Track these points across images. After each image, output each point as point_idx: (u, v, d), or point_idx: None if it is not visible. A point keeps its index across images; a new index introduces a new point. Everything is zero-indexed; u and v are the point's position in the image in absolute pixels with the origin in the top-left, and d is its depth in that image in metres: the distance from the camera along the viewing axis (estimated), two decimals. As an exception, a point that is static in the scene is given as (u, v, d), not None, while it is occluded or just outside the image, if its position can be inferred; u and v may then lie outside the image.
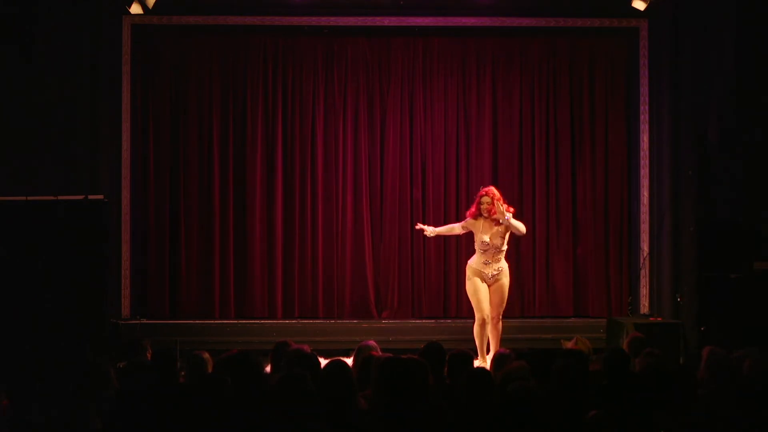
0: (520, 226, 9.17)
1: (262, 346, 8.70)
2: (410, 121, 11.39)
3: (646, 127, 11.11)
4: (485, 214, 9.15)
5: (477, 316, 9.17)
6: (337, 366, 5.05)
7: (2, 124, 10.43)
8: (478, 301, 9.14)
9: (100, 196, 9.95)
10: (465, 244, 10.85)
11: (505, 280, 9.21)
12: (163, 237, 11.18)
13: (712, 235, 10.39)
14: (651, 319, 10.55)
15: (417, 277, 11.33)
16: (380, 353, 6.26)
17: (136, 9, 10.36)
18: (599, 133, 11.38)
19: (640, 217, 11.14)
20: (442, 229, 9.68)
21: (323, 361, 5.40)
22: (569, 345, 7.79)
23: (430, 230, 9.53)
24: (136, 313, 10.99)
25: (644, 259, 11.03)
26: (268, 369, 6.34)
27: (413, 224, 11.29)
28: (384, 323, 11.01)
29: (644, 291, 11.09)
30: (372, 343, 6.53)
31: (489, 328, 9.17)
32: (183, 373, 6.25)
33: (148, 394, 5.00)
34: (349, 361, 5.91)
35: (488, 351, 9.05)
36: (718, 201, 10.51)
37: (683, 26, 10.72)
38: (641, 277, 11.10)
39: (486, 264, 9.15)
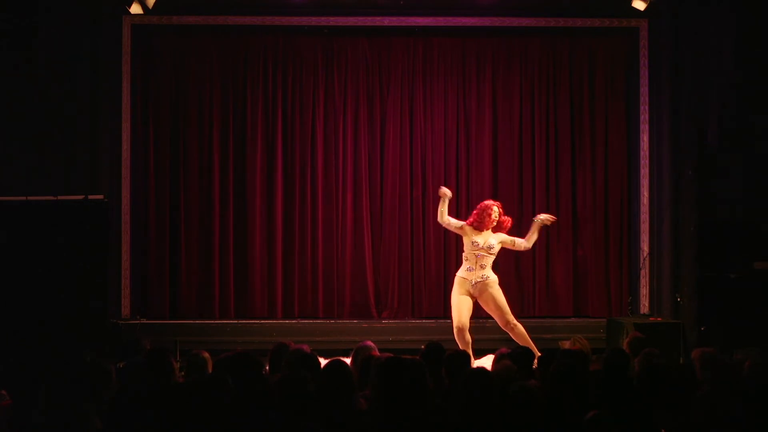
0: (524, 244, 9.33)
1: (262, 346, 8.70)
2: (410, 121, 11.39)
3: (646, 127, 11.11)
4: (493, 224, 9.21)
5: (453, 323, 9.23)
6: (337, 366, 5.05)
7: (2, 124, 10.44)
8: (455, 310, 9.20)
9: (100, 196, 9.95)
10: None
11: (492, 290, 9.17)
12: (163, 237, 11.19)
13: (712, 236, 10.40)
14: (651, 319, 10.55)
15: (417, 277, 11.33)
16: (378, 353, 6.26)
17: (136, 9, 10.36)
18: (599, 133, 11.38)
19: (640, 217, 11.14)
20: (450, 221, 9.32)
21: (323, 361, 5.40)
22: (567, 345, 7.79)
23: (446, 192, 9.26)
24: (136, 313, 11.00)
25: (644, 259, 11.03)
26: (266, 369, 6.35)
27: (413, 224, 11.35)
28: (384, 323, 11.01)
29: (644, 291, 11.09)
30: (370, 343, 6.54)
31: (514, 336, 9.20)
32: (183, 373, 6.26)
33: (147, 394, 5.00)
34: (349, 361, 5.90)
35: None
36: (718, 201, 10.52)
37: (683, 26, 10.72)
38: (641, 277, 11.10)
39: (470, 270, 9.16)
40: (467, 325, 9.18)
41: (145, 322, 10.75)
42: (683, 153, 10.72)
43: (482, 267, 9.15)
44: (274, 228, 11.26)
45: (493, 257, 9.22)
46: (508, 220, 9.40)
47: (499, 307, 9.18)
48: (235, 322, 11.00)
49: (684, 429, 5.06)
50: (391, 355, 5.71)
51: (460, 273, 9.26)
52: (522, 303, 11.28)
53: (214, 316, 11.10)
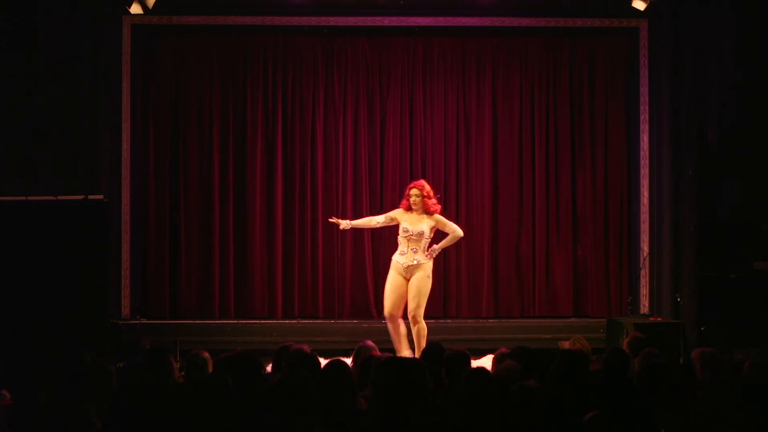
0: (455, 235, 9.22)
1: (262, 346, 8.73)
2: (410, 121, 11.40)
3: (646, 127, 11.11)
4: (414, 207, 9.17)
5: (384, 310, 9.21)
6: (337, 366, 5.05)
7: (2, 124, 10.44)
8: (386, 296, 9.16)
9: (100, 196, 9.96)
10: (464, 246, 10.85)
11: (420, 274, 9.08)
12: (163, 237, 11.19)
13: (712, 236, 10.40)
14: (651, 319, 10.56)
15: (417, 277, 11.32)
16: (379, 353, 6.26)
17: (136, 9, 10.36)
18: (599, 133, 11.39)
19: (640, 217, 11.14)
20: (360, 222, 9.53)
21: (323, 361, 5.40)
22: (567, 345, 7.79)
23: (344, 223, 9.36)
24: (136, 313, 11.00)
25: (644, 259, 11.03)
26: (268, 369, 6.35)
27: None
28: (384, 323, 10.97)
29: (644, 291, 11.09)
30: (371, 343, 6.54)
31: (413, 330, 9.10)
32: (183, 373, 6.26)
33: (147, 394, 5.00)
34: (349, 361, 5.90)
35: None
36: (718, 201, 10.52)
37: (683, 26, 10.73)
38: (641, 277, 11.10)
39: (402, 254, 9.15)
40: (398, 313, 9.10)
41: (145, 322, 10.75)
42: (683, 153, 10.73)
43: (414, 251, 9.12)
44: (274, 228, 11.26)
45: (425, 241, 9.15)
46: (434, 204, 9.22)
47: (415, 295, 9.04)
48: (235, 322, 11.00)
49: (684, 429, 5.06)
50: (391, 355, 5.71)
51: (395, 256, 9.23)
52: (522, 303, 11.28)
53: (214, 316, 11.10)
